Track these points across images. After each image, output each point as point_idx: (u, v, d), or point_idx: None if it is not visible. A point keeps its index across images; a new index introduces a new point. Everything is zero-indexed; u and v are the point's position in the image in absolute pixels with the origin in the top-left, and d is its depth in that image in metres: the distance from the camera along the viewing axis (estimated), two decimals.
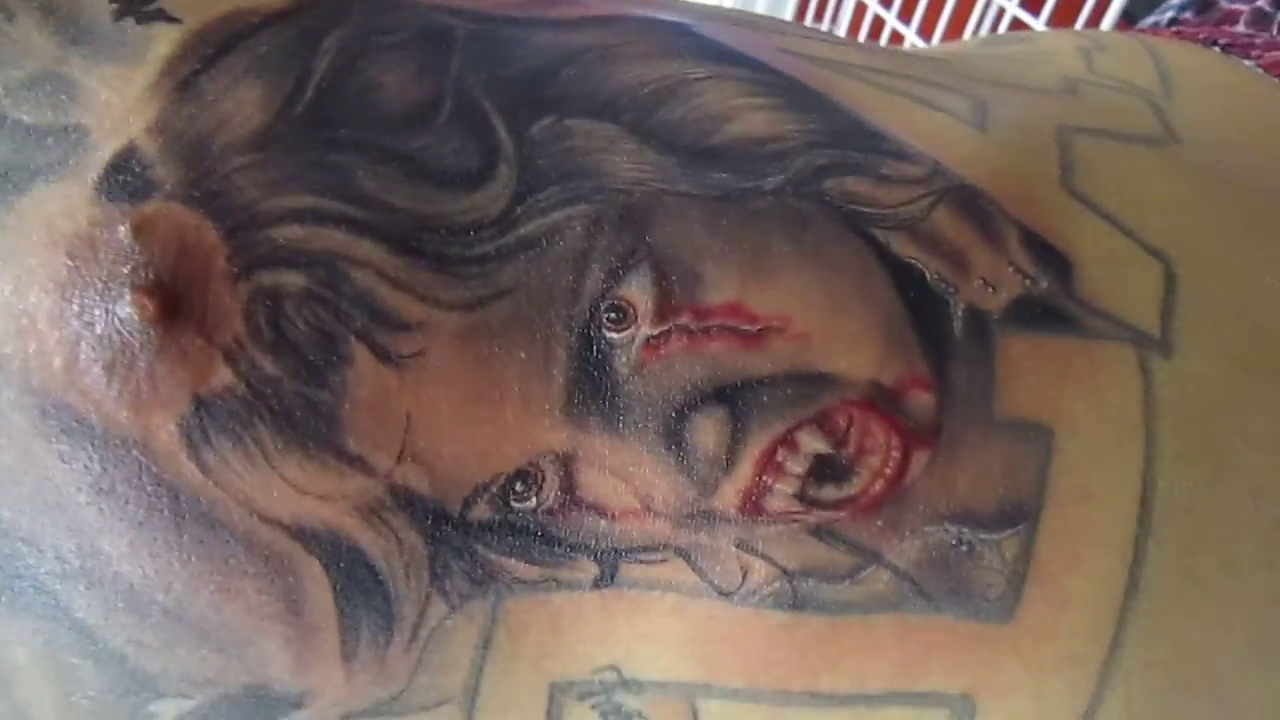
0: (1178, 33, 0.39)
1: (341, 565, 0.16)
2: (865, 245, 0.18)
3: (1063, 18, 0.74)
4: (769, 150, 0.19)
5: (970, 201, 0.20)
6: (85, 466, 0.15)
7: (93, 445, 0.15)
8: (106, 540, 0.15)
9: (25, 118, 0.16)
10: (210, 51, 0.16)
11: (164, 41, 0.16)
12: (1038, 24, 0.75)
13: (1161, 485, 0.20)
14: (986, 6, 0.83)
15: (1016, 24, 0.78)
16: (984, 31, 0.89)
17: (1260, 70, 0.34)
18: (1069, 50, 0.32)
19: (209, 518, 0.15)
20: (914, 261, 0.19)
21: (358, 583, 0.16)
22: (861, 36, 0.99)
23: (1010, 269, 0.19)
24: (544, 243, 0.17)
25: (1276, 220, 0.25)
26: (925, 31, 0.89)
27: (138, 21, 0.16)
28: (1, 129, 0.16)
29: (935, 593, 0.18)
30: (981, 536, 0.18)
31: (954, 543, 0.18)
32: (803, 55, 0.22)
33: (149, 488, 0.15)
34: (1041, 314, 0.19)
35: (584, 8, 0.21)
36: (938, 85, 0.23)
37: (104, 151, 0.15)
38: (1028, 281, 0.19)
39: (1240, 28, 0.40)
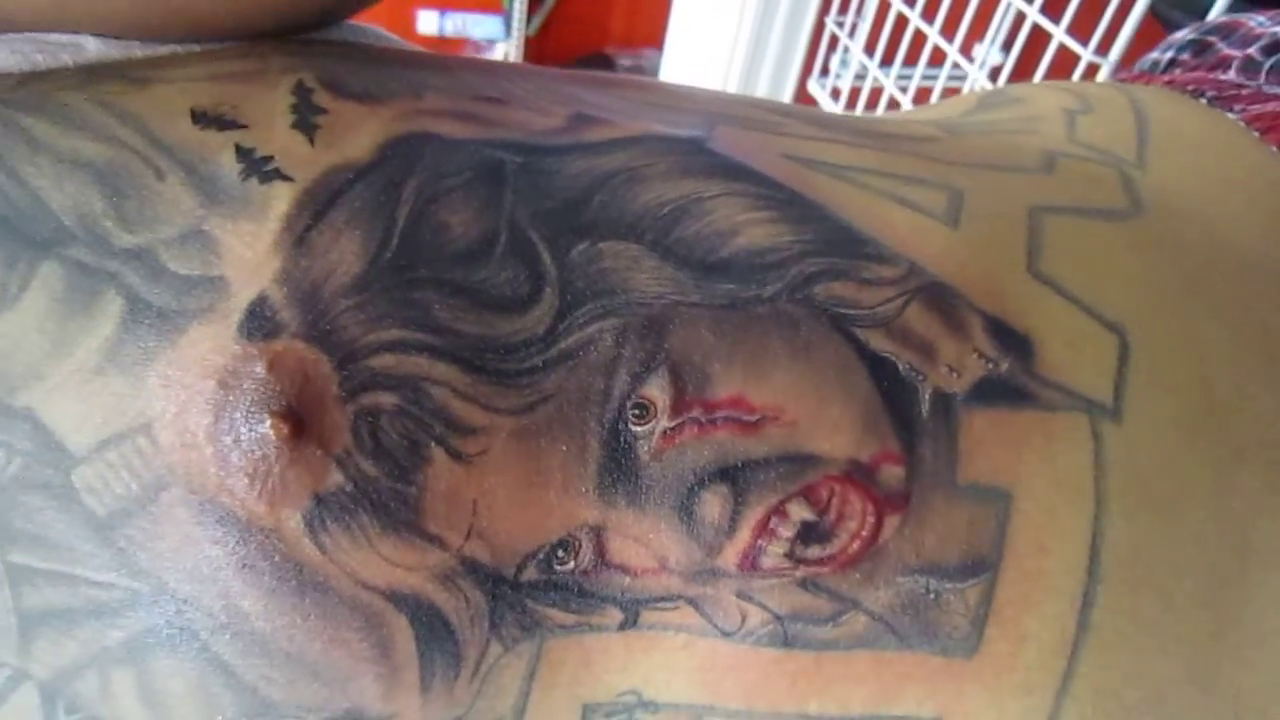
0: (1170, 80, 0.41)
1: (423, 619, 0.19)
2: (847, 343, 0.21)
3: (1085, 19, 0.75)
4: (768, 260, 0.21)
5: (939, 297, 0.22)
6: (233, 549, 0.18)
7: (238, 532, 0.18)
8: (246, 602, 0.18)
9: (181, 270, 0.19)
10: (318, 208, 0.19)
11: (282, 200, 0.19)
12: (1058, 30, 0.77)
13: (1109, 536, 0.22)
14: (1007, 10, 0.84)
15: (1037, 30, 0.79)
16: (1004, 33, 0.90)
17: (1242, 124, 0.36)
18: (1055, 115, 0.34)
19: (324, 586, 0.18)
20: (888, 355, 0.21)
21: (434, 632, 0.19)
22: (885, 33, 1.00)
23: (974, 355, 0.22)
24: (580, 353, 0.20)
25: (1231, 290, 0.27)
26: (947, 31, 0.90)
27: (260, 182, 0.19)
28: (164, 279, 0.19)
29: (907, 633, 0.21)
30: (947, 586, 0.21)
31: (923, 591, 0.21)
32: (801, 160, 0.24)
33: (280, 564, 0.18)
34: (1002, 391, 0.22)
35: (613, 128, 0.23)
36: (918, 181, 0.25)
37: (242, 299, 0.18)
38: (990, 365, 0.22)
39: (1231, 74, 0.42)
